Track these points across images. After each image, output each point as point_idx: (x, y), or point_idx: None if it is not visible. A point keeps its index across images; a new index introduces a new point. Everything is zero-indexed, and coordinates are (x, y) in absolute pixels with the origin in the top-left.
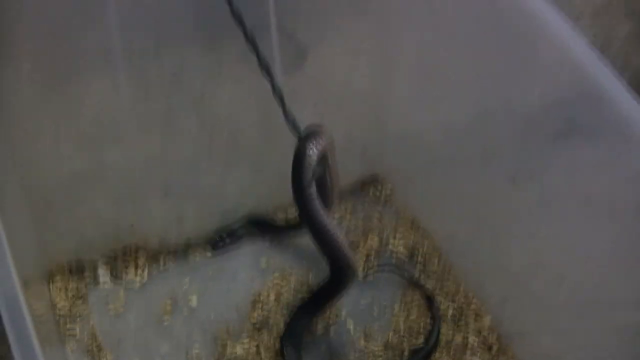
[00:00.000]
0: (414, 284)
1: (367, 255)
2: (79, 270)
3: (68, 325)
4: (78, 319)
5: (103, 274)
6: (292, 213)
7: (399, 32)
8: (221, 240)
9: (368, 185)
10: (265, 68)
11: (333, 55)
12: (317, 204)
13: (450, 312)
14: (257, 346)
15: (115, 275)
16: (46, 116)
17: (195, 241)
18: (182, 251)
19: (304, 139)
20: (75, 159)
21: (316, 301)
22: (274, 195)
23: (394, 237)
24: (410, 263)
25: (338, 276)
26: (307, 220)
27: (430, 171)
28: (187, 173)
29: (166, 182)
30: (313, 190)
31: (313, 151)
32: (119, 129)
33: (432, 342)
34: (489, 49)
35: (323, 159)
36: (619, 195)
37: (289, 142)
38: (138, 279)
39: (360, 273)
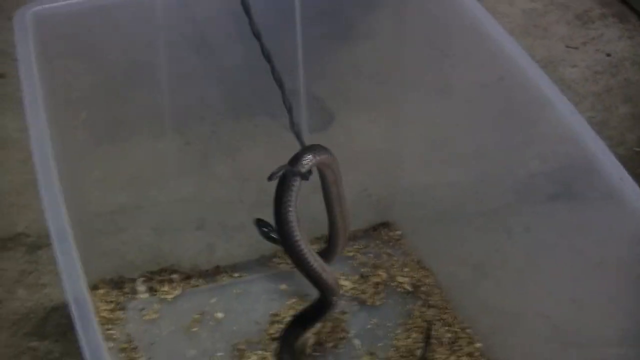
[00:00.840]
0: None
1: (376, 285)
2: (119, 284)
3: (108, 328)
4: (117, 324)
5: (140, 288)
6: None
7: (412, 102)
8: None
9: (379, 229)
10: (292, 125)
11: (355, 120)
12: (293, 227)
13: (447, 336)
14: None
15: (151, 290)
16: (97, 157)
17: (224, 268)
18: (212, 274)
19: (290, 160)
20: (120, 194)
21: (303, 321)
22: None
23: (401, 273)
24: (415, 295)
25: (321, 298)
26: (283, 242)
27: (435, 220)
28: (219, 211)
29: (200, 217)
30: (292, 212)
31: (296, 172)
32: (161, 171)
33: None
34: (495, 120)
35: (322, 178)
36: (605, 251)
37: (308, 191)
38: (171, 294)
39: (338, 296)
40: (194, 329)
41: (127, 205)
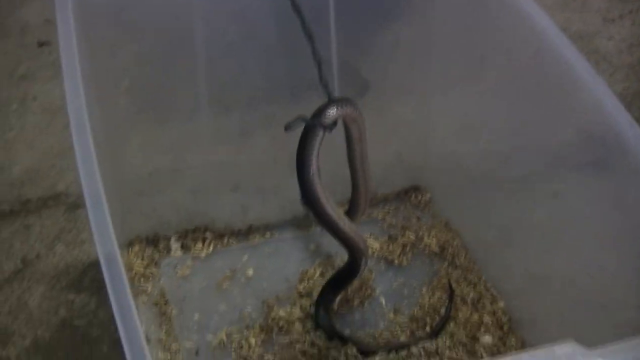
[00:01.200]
0: None
1: (404, 247)
2: (154, 242)
3: (141, 283)
4: (150, 279)
5: (175, 246)
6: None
7: (446, 70)
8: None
9: (410, 193)
10: (320, 78)
11: (390, 90)
12: (317, 187)
13: (471, 295)
14: (300, 308)
15: (184, 248)
16: (138, 124)
17: (256, 228)
18: (245, 234)
19: (314, 112)
20: (159, 159)
21: (335, 285)
22: None
23: (429, 235)
24: (441, 256)
25: (351, 259)
26: (307, 203)
27: (465, 185)
28: (254, 175)
29: (235, 181)
30: (314, 171)
31: (318, 124)
32: (199, 138)
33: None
34: (527, 92)
35: (347, 135)
36: (633, 219)
37: (341, 153)
38: (204, 251)
39: (368, 255)
40: (225, 285)
41: (165, 168)
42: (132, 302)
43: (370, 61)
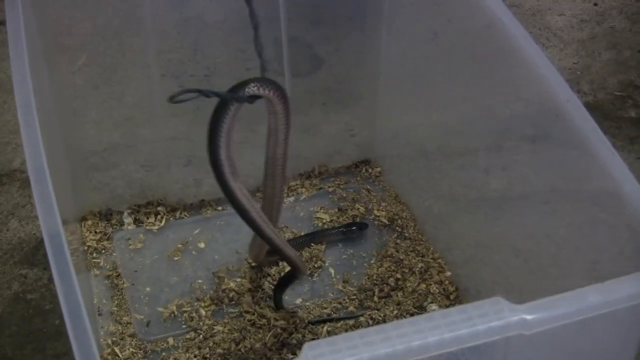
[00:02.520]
0: None
1: (353, 219)
2: (107, 216)
3: (94, 256)
4: (103, 252)
5: (127, 220)
6: (293, 185)
7: (398, 45)
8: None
9: (361, 166)
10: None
11: (342, 66)
12: (224, 168)
13: (419, 266)
14: (249, 280)
15: (137, 222)
16: (92, 99)
17: (209, 202)
18: (197, 207)
19: (230, 88)
20: (113, 134)
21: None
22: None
23: (378, 208)
24: (390, 228)
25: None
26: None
27: (415, 158)
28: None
29: (188, 155)
30: (223, 148)
31: (229, 97)
32: (153, 112)
33: None
34: (478, 65)
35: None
36: (577, 187)
37: (295, 130)
38: (157, 225)
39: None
40: (177, 258)
41: (119, 143)
42: (74, 278)
43: (322, 37)
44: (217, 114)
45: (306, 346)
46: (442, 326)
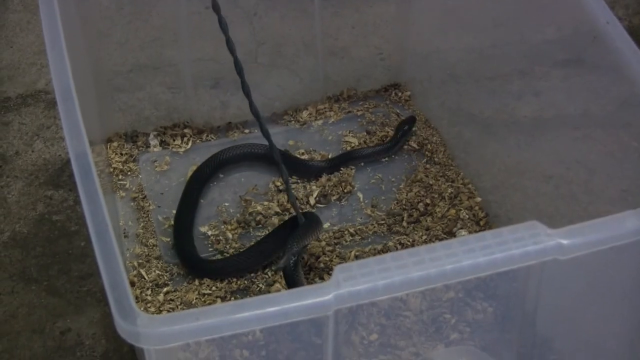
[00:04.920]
0: None
1: (382, 141)
2: (133, 138)
3: (120, 178)
4: (129, 174)
5: (153, 142)
6: (321, 109)
7: None
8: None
9: (390, 90)
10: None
11: None
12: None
13: (449, 192)
14: (277, 203)
15: (163, 144)
16: (119, 20)
17: (235, 124)
18: (224, 130)
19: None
20: (139, 54)
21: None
22: (306, 92)
23: None
24: (420, 152)
25: None
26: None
27: (446, 83)
28: (233, 71)
29: (215, 77)
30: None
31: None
32: (180, 33)
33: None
34: None
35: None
36: (609, 113)
37: (324, 53)
38: (183, 147)
39: None
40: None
41: (145, 64)
42: (101, 199)
43: None
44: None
45: (337, 269)
46: (476, 249)
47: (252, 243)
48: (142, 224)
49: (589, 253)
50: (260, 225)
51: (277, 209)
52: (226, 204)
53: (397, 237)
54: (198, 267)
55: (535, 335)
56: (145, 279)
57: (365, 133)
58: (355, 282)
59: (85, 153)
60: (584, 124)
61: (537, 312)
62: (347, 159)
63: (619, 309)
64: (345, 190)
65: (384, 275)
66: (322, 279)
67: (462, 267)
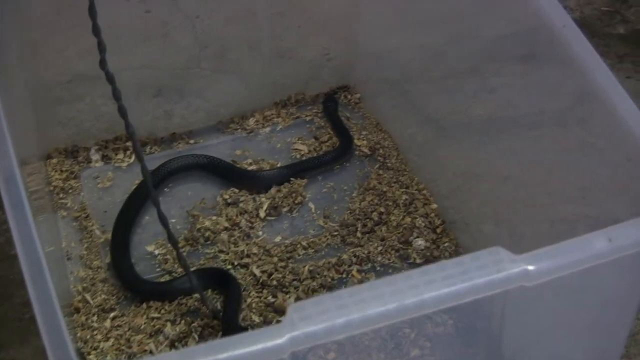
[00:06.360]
0: None
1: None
2: (73, 153)
3: (61, 197)
4: (70, 192)
5: (95, 156)
6: (269, 115)
7: None
8: None
9: (339, 92)
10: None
11: None
12: None
13: (403, 198)
14: (225, 218)
15: (105, 158)
16: (56, 27)
17: (180, 135)
18: (168, 141)
19: None
20: (78, 63)
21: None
22: (253, 98)
23: (359, 136)
24: (372, 157)
25: None
26: None
27: (397, 84)
28: (177, 78)
29: (158, 84)
30: None
31: None
32: (120, 39)
33: None
34: None
35: None
36: (566, 109)
37: (270, 55)
38: (126, 161)
39: None
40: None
41: (85, 74)
42: (32, 226)
43: None
44: None
45: (291, 308)
46: (437, 280)
47: (201, 261)
48: (85, 245)
49: (557, 277)
50: (209, 242)
51: (226, 224)
52: (173, 220)
53: (352, 249)
54: (137, 288)
55: (502, 356)
56: (90, 304)
57: (314, 139)
58: (311, 321)
59: (14, 176)
60: (540, 121)
61: (503, 334)
62: (300, 169)
63: (587, 330)
64: (296, 202)
65: (342, 312)
66: (275, 297)
67: (423, 300)
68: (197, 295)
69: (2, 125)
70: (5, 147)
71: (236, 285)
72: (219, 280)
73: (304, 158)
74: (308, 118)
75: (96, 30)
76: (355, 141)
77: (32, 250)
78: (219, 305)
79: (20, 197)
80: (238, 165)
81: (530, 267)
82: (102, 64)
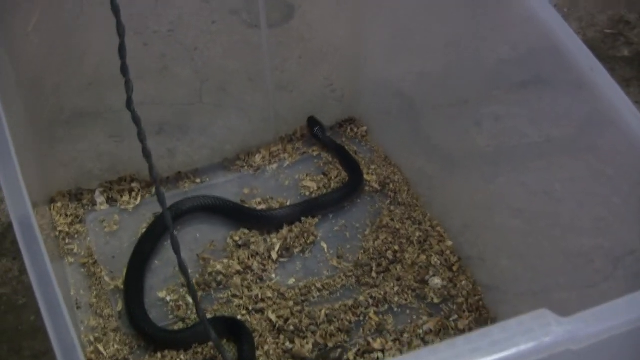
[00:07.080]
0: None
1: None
2: (78, 196)
3: (67, 242)
4: (76, 237)
5: (99, 199)
6: (275, 151)
7: None
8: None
9: (345, 125)
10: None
11: (317, 13)
12: None
13: (417, 235)
14: (237, 261)
15: (110, 200)
16: (52, 62)
17: (185, 173)
18: (174, 181)
19: None
20: (77, 100)
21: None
22: (257, 132)
23: (368, 171)
24: (382, 193)
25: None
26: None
27: (403, 114)
28: (179, 114)
29: (159, 122)
30: None
31: None
32: (118, 75)
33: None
34: (462, 8)
35: None
36: (575, 136)
37: (271, 87)
38: (132, 203)
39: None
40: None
41: (84, 111)
42: (49, 268)
43: None
44: None
45: None
46: (483, 348)
47: (215, 306)
48: (94, 293)
49: (604, 339)
50: (221, 287)
51: (238, 267)
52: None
53: (368, 290)
54: (153, 337)
55: None
56: (103, 354)
57: (323, 175)
58: None
59: (29, 218)
60: (548, 149)
61: None
62: (311, 207)
63: None
64: (309, 242)
65: None
66: (292, 342)
67: None
68: (211, 343)
69: (16, 169)
70: (19, 188)
71: (248, 332)
72: (231, 328)
73: (313, 195)
74: (315, 153)
75: (125, 70)
76: (365, 176)
77: (51, 295)
78: (234, 355)
79: (38, 244)
80: (247, 205)
81: (578, 331)
82: (129, 103)
